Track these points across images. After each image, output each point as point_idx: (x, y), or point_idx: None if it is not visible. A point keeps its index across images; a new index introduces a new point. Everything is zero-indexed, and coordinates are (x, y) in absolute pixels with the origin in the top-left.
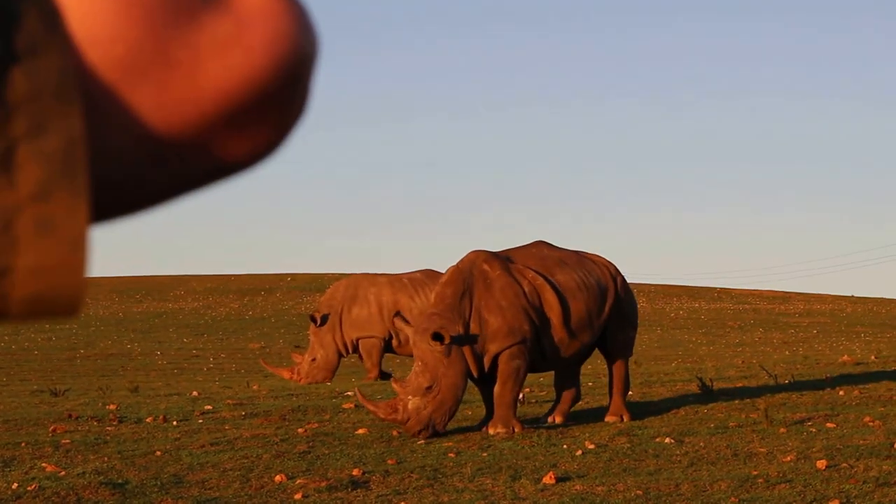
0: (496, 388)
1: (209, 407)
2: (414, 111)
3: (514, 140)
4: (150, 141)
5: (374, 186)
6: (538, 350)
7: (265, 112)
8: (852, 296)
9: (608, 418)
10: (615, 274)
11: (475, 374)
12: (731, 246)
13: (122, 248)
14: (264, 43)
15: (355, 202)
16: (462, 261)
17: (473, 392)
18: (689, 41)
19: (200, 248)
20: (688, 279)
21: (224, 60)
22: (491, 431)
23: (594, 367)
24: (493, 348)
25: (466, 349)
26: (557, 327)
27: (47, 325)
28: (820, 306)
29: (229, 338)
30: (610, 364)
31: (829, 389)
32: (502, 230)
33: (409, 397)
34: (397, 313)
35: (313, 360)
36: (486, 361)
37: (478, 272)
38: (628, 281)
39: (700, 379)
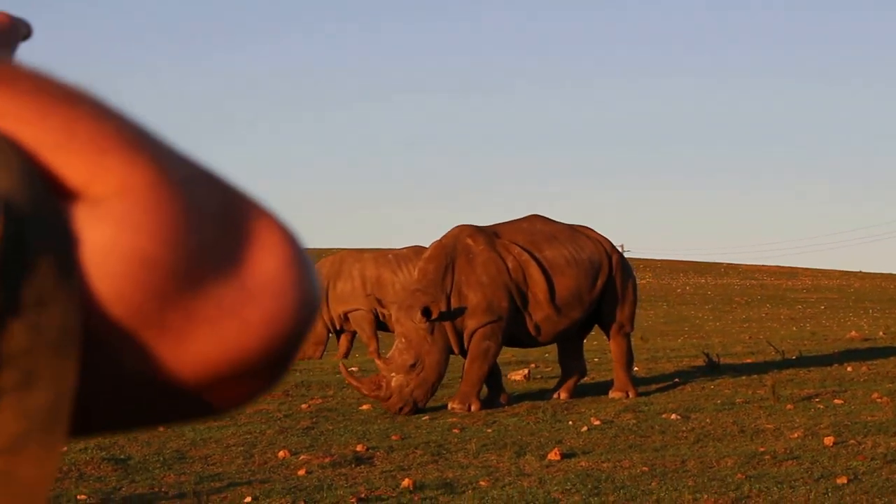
0: (465, 365)
1: None
2: (409, 88)
3: (527, 116)
4: (129, 387)
5: (382, 162)
6: (524, 326)
7: (246, 378)
8: (860, 271)
9: (613, 394)
10: (611, 251)
11: (456, 350)
12: (738, 221)
13: None
14: (264, 321)
15: (358, 178)
16: (446, 236)
17: None
18: (695, 14)
19: None
20: (695, 255)
21: (217, 332)
22: (449, 406)
23: (601, 343)
24: (471, 324)
25: (447, 325)
26: (543, 303)
27: None
28: (827, 282)
29: None
30: (611, 340)
31: (836, 365)
32: (512, 205)
33: (393, 374)
34: (376, 299)
35: None
36: (466, 337)
37: (461, 247)
38: (635, 256)
39: (707, 355)
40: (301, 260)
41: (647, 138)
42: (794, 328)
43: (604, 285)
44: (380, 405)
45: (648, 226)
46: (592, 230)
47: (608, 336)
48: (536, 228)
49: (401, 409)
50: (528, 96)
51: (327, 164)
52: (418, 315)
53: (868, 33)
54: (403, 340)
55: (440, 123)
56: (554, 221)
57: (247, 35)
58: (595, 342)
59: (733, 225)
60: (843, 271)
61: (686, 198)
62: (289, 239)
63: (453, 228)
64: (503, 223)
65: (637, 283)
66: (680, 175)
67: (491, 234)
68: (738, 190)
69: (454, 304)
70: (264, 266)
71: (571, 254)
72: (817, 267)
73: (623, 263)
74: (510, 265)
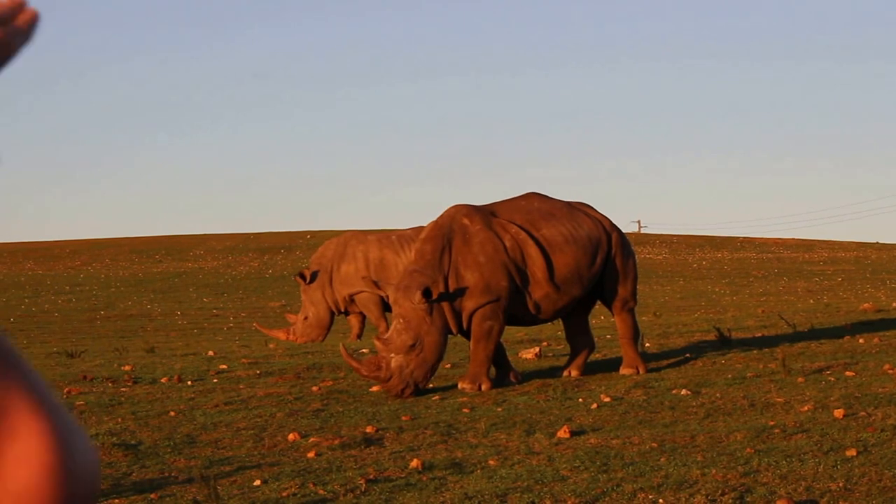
0: (471, 346)
1: (224, 366)
2: (427, 67)
3: (540, 92)
4: None
5: (392, 141)
6: (524, 305)
7: None
8: (877, 242)
9: (623, 371)
10: (610, 228)
11: (454, 330)
12: (754, 195)
13: (141, 209)
14: None
15: (373, 157)
16: (442, 216)
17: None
18: None
19: (219, 206)
20: (710, 229)
21: None
22: (459, 386)
23: (612, 320)
24: (469, 305)
25: (445, 305)
26: (542, 282)
27: (67, 287)
28: (844, 254)
29: (250, 297)
30: (616, 317)
31: (848, 338)
32: (525, 183)
33: (392, 355)
34: (365, 277)
35: (305, 318)
36: (465, 318)
37: (457, 227)
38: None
39: (718, 329)
40: (62, 462)
41: (661, 114)
42: (812, 301)
43: (603, 262)
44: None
45: (664, 201)
46: (591, 208)
47: (613, 313)
48: (534, 206)
49: (402, 390)
50: (540, 73)
51: (330, 145)
52: (418, 296)
53: (876, 10)
54: (402, 321)
55: (449, 102)
56: (551, 199)
57: (250, 20)
58: (608, 319)
59: (749, 199)
60: (859, 243)
61: (701, 172)
62: (49, 442)
63: (449, 208)
64: (500, 202)
65: (636, 259)
66: (695, 150)
67: (488, 213)
68: (753, 163)
69: (452, 284)
70: (19, 475)
71: (570, 231)
72: (834, 239)
73: (623, 241)
74: (507, 244)
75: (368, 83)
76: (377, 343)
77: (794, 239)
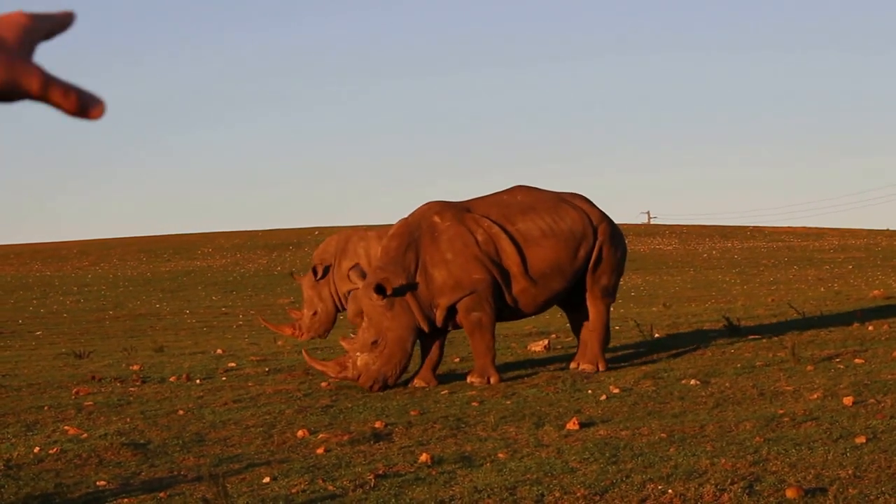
0: (470, 343)
1: (233, 364)
2: (439, 63)
3: (550, 86)
4: None
5: (401, 137)
6: (502, 299)
7: None
8: (887, 229)
9: (583, 366)
10: (598, 220)
11: (425, 327)
12: (763, 184)
13: (148, 208)
14: None
15: (381, 154)
16: (413, 213)
17: (498, 340)
18: None
19: (226, 204)
20: (720, 219)
21: None
22: (468, 380)
23: (626, 311)
24: (442, 302)
25: (412, 302)
26: (518, 276)
27: (75, 288)
28: (855, 241)
29: (258, 294)
30: (590, 308)
31: (857, 325)
32: (533, 177)
33: (358, 353)
34: (355, 266)
35: (314, 314)
36: (438, 315)
37: (426, 224)
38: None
39: (727, 318)
40: None
41: (670, 105)
42: (822, 289)
43: (587, 255)
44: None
45: (673, 192)
46: (584, 199)
47: (588, 303)
48: (515, 201)
49: (371, 386)
50: (549, 65)
51: (338, 142)
52: (372, 293)
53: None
54: (366, 319)
55: (458, 98)
56: (539, 192)
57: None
58: (614, 310)
59: (759, 188)
60: (870, 230)
61: (710, 163)
62: None
63: (422, 205)
64: (480, 197)
65: (626, 253)
66: (704, 140)
67: (461, 209)
68: (762, 153)
69: (420, 281)
70: None
71: (548, 225)
72: (844, 227)
73: (612, 232)
74: (480, 238)
75: (377, 80)
76: (343, 343)
77: (804, 227)
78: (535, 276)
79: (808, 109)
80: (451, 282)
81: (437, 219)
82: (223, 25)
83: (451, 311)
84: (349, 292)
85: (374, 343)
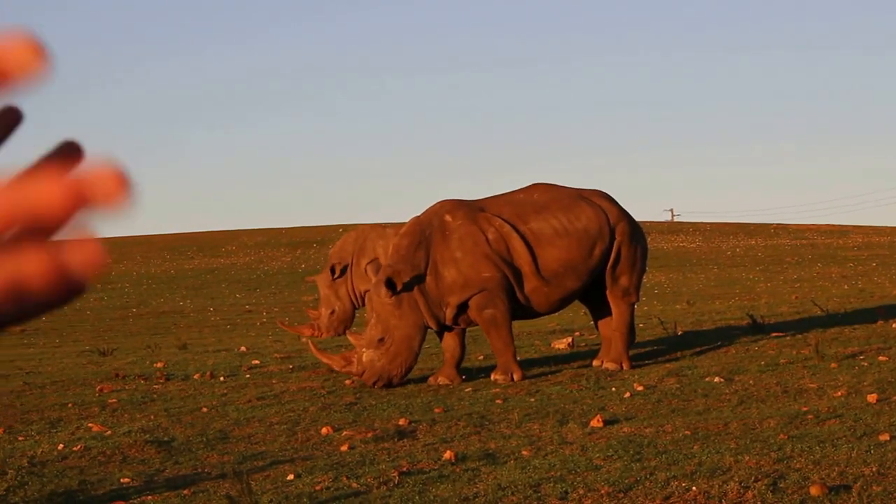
0: (489, 341)
1: (257, 361)
2: (455, 60)
3: (575, 84)
4: None
5: (424, 133)
6: (514, 299)
7: None
8: None
9: (607, 365)
10: (617, 219)
11: (432, 325)
12: (787, 181)
13: (172, 206)
14: None
15: (405, 150)
16: (425, 211)
17: (521, 337)
18: None
19: (250, 202)
20: (744, 216)
21: None
22: (492, 378)
23: (650, 308)
24: (452, 300)
25: (421, 300)
26: (529, 275)
27: (99, 285)
28: (879, 238)
29: (282, 291)
30: (613, 308)
31: (882, 322)
32: (565, 173)
33: (363, 349)
34: (372, 261)
35: (332, 312)
36: (448, 313)
37: (438, 223)
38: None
39: (751, 316)
40: None
41: (694, 103)
42: (846, 286)
43: (604, 254)
44: (424, 378)
45: (697, 189)
46: (604, 197)
47: (611, 303)
48: (531, 199)
49: (374, 383)
50: (575, 63)
51: (361, 139)
52: (383, 289)
53: None
54: (374, 316)
55: (484, 94)
56: (557, 189)
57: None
58: (645, 307)
59: (782, 185)
60: (894, 227)
61: (734, 160)
62: None
63: (434, 204)
64: (495, 196)
65: (647, 251)
66: (727, 138)
67: (474, 208)
68: (786, 150)
69: (430, 280)
70: None
71: (562, 224)
72: (868, 224)
73: (632, 231)
74: (490, 237)
75: (402, 75)
76: (350, 337)
77: (827, 225)
78: (547, 276)
79: (834, 106)
80: (460, 280)
81: (448, 217)
82: (248, 22)
83: (463, 308)
84: (366, 290)
85: (381, 340)
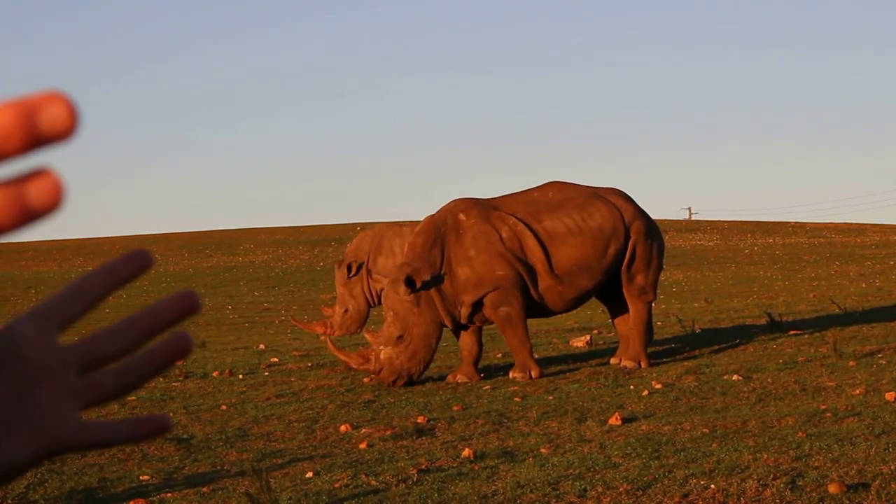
0: (505, 339)
1: (275, 359)
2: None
3: (593, 83)
4: None
5: (445, 132)
6: (528, 297)
7: None
8: None
9: (625, 363)
10: (632, 218)
11: (449, 324)
12: (805, 180)
13: (190, 204)
14: None
15: (424, 148)
16: (440, 210)
17: (539, 336)
18: None
19: (268, 200)
20: (761, 214)
21: None
22: (511, 376)
23: (668, 307)
24: (467, 299)
25: (437, 298)
26: (542, 274)
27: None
28: None
29: (301, 289)
30: (630, 306)
31: None
32: (582, 171)
33: (381, 347)
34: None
35: (345, 311)
36: (463, 311)
37: (452, 221)
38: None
39: (769, 314)
40: None
41: (711, 101)
42: (864, 285)
43: (618, 252)
44: (443, 376)
45: (715, 188)
46: (620, 196)
47: (628, 301)
48: (545, 198)
49: (394, 381)
50: (592, 62)
51: (380, 137)
52: (402, 287)
53: None
54: (391, 314)
55: (503, 93)
56: (572, 188)
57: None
58: (663, 305)
59: (800, 184)
60: None
61: (751, 158)
62: None
63: (448, 203)
64: (509, 194)
65: (664, 249)
66: (745, 136)
67: (488, 207)
68: (804, 148)
69: (446, 279)
70: None
71: (576, 223)
72: (886, 222)
73: (648, 230)
74: (504, 235)
75: (422, 73)
76: (367, 335)
77: (845, 223)
78: (560, 274)
79: (852, 105)
80: (474, 278)
81: (462, 216)
82: (264, 22)
83: (477, 306)
84: (382, 289)
85: (400, 338)
